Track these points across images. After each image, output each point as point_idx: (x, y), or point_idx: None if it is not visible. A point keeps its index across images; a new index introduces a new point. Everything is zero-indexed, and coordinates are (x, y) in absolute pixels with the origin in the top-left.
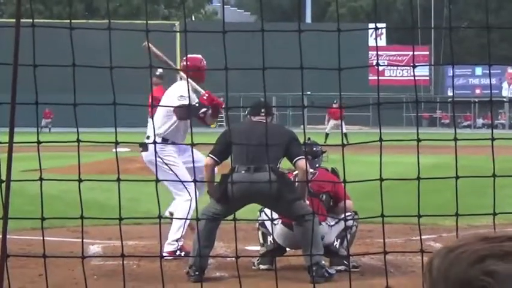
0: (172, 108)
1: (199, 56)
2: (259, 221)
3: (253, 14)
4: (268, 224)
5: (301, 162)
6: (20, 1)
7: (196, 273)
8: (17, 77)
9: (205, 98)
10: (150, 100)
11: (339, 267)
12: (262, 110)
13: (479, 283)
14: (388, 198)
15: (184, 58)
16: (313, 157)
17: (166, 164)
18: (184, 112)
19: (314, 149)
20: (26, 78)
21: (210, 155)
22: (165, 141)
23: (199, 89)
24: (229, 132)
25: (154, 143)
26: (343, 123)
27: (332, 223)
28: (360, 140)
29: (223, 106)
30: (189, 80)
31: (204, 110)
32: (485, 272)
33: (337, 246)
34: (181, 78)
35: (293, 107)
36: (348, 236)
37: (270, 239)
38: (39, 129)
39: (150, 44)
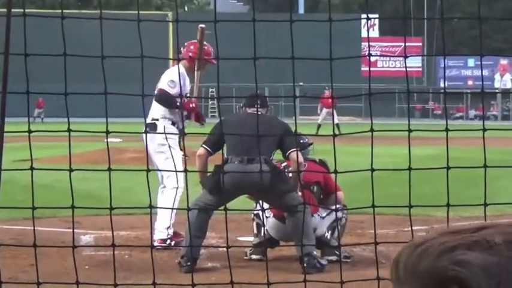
0: (159, 88)
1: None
2: (254, 212)
3: (246, 4)
4: (262, 215)
5: (294, 154)
6: None
7: (188, 263)
8: (8, 66)
9: (192, 106)
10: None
11: (331, 258)
12: (258, 102)
13: (448, 273)
14: (380, 189)
15: (186, 44)
16: (300, 149)
17: (169, 146)
18: (167, 99)
19: (301, 141)
20: (17, 68)
21: (203, 145)
22: (173, 124)
23: (195, 88)
24: (223, 124)
25: (147, 132)
26: (334, 113)
27: (323, 214)
28: (352, 131)
29: (203, 120)
30: (182, 71)
31: (183, 111)
32: (455, 262)
33: (328, 237)
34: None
35: (285, 97)
36: (338, 228)
37: (263, 230)
38: (33, 119)
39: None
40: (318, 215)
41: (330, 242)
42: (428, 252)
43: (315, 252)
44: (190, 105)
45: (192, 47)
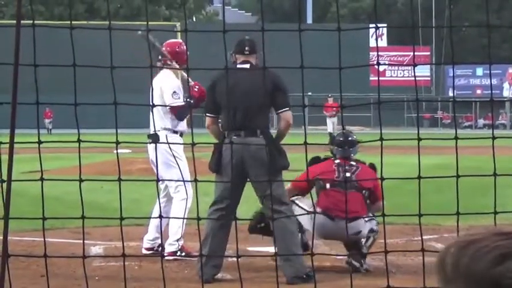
0: (169, 101)
1: (178, 40)
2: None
3: (255, 14)
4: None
5: (287, 114)
6: (21, 1)
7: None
8: (18, 77)
9: (196, 89)
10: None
11: (355, 263)
12: (246, 48)
13: (505, 281)
14: (389, 199)
15: (164, 44)
16: (348, 146)
17: (174, 157)
18: (183, 112)
19: (350, 138)
20: (26, 80)
21: (207, 114)
22: (175, 132)
23: (190, 81)
24: (214, 87)
25: (154, 142)
26: (335, 121)
27: (367, 219)
28: (361, 141)
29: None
30: (177, 68)
31: (196, 104)
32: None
33: (363, 243)
34: (162, 64)
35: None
36: (371, 240)
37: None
38: (46, 131)
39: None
40: (363, 218)
41: (362, 248)
42: (481, 254)
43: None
44: (195, 90)
45: (168, 49)
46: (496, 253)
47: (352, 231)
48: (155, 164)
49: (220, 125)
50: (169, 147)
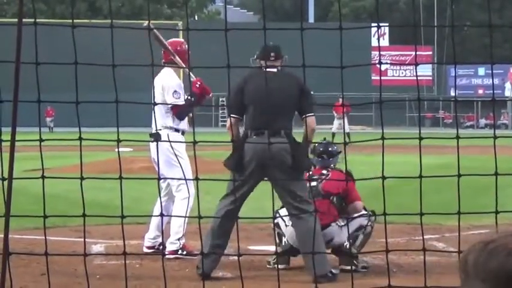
0: (169, 101)
1: (179, 39)
2: (275, 222)
3: (256, 13)
4: (282, 224)
5: (311, 120)
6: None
7: (204, 272)
8: (19, 75)
9: (197, 86)
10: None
11: (347, 267)
12: (272, 54)
13: None
14: (390, 199)
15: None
16: (328, 156)
17: (175, 155)
18: (183, 110)
19: (330, 148)
20: (27, 79)
21: (232, 114)
22: (177, 131)
23: (192, 77)
24: (241, 88)
25: (156, 141)
26: (346, 121)
27: (342, 224)
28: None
29: (211, 94)
30: (180, 67)
31: (198, 101)
32: None
33: (348, 246)
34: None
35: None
36: (361, 236)
37: (284, 239)
38: (48, 130)
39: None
40: (336, 223)
41: (349, 252)
42: (498, 250)
43: (325, 262)
44: (197, 86)
45: (172, 47)
46: (510, 248)
47: (325, 240)
48: (157, 162)
49: (243, 124)
50: (171, 146)
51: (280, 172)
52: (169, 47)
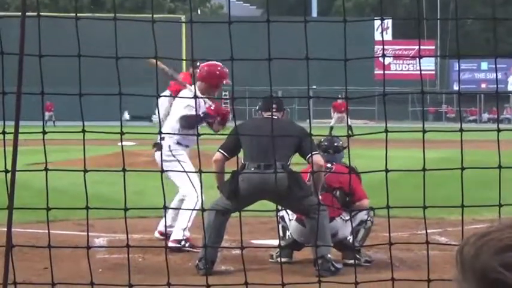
0: (181, 116)
1: (216, 62)
2: (279, 215)
3: (259, 7)
4: (286, 218)
5: (317, 158)
6: None
7: (206, 266)
8: (23, 69)
9: (212, 108)
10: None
11: (350, 261)
12: (273, 106)
13: (495, 275)
14: (393, 193)
15: (199, 65)
16: (334, 152)
17: (178, 161)
18: (189, 122)
19: (335, 144)
20: (30, 73)
21: (220, 150)
22: (179, 144)
23: (207, 101)
24: (239, 128)
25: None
26: (348, 115)
27: (346, 218)
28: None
29: (230, 114)
30: (197, 91)
31: (209, 120)
32: (503, 264)
33: (351, 240)
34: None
35: (299, 97)
36: (362, 231)
37: (288, 233)
38: (45, 123)
39: (157, 61)
40: (341, 217)
41: (352, 246)
42: (487, 246)
43: (329, 256)
44: (211, 108)
45: (205, 69)
46: (497, 246)
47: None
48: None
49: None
50: (172, 155)
51: (279, 196)
52: (177, 76)
